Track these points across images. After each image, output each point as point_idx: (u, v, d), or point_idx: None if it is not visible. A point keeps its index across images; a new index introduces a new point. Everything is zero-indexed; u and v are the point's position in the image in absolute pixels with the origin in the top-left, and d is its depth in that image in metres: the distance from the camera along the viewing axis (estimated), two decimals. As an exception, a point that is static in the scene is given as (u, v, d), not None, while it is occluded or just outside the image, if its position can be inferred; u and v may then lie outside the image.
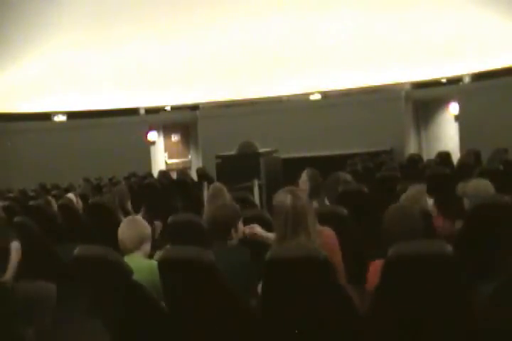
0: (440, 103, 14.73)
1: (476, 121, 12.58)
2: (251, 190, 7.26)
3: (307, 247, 2.85)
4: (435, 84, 14.56)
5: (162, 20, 14.42)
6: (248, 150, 9.25)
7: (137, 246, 3.37)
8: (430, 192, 4.63)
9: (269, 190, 7.96)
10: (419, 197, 4.15)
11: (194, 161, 17.19)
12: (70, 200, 6.86)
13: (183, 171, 13.42)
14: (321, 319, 2.77)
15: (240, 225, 3.51)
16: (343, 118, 14.17)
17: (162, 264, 3.01)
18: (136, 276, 3.05)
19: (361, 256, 3.61)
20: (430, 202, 4.44)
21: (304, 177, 4.95)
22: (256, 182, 7.50)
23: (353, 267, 3.23)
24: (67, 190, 9.76)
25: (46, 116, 15.99)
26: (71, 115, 16.19)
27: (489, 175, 4.78)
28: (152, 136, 16.60)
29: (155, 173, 13.40)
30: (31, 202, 6.93)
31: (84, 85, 15.32)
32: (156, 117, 16.97)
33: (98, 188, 10.23)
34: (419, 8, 13.24)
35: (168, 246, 3.64)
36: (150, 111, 16.99)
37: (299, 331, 2.81)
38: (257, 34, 14.47)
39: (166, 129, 17.19)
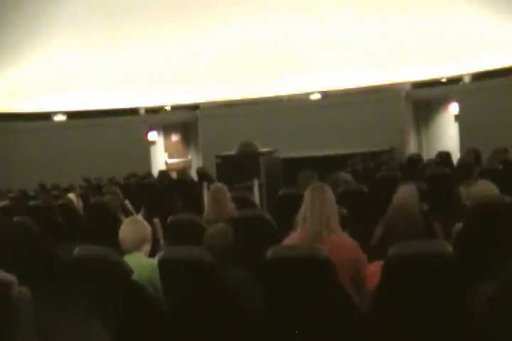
0: (440, 103, 14.74)
1: (476, 121, 12.58)
2: (251, 189, 7.26)
3: (307, 247, 2.86)
4: (435, 84, 14.56)
5: (162, 21, 14.41)
6: (248, 150, 9.25)
7: (138, 246, 3.38)
8: (430, 192, 4.64)
9: (269, 189, 7.96)
10: (409, 198, 4.09)
11: (194, 161, 17.19)
12: (70, 200, 6.86)
13: (183, 171, 13.42)
14: (321, 319, 2.78)
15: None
16: (343, 118, 14.17)
17: (162, 264, 3.01)
18: (136, 275, 3.06)
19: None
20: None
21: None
22: (256, 182, 7.49)
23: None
24: (67, 190, 9.76)
25: (46, 116, 15.99)
26: (71, 115, 16.19)
27: (489, 175, 4.79)
28: (152, 135, 16.60)
29: (155, 173, 13.40)
30: (31, 202, 6.93)
31: (84, 85, 15.31)
32: (156, 117, 16.97)
33: (98, 188, 10.23)
34: (419, 8, 13.23)
35: (168, 246, 3.65)
36: (150, 111, 17.00)
37: (300, 331, 2.81)
38: (257, 34, 14.46)
39: (166, 129, 17.20)
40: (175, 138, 17.42)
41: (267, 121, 14.62)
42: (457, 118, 14.08)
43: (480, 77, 13.38)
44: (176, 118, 17.22)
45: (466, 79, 13.95)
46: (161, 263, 3.01)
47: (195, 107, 16.82)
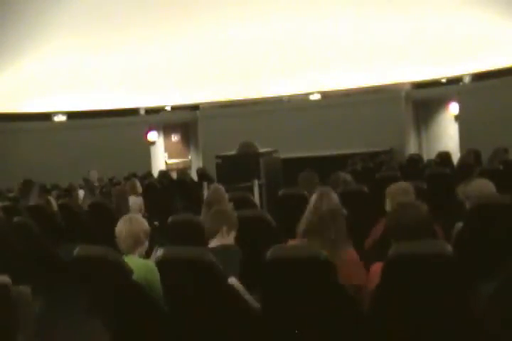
0: (440, 103, 14.73)
1: (476, 121, 12.58)
2: (251, 190, 7.26)
3: (307, 247, 2.86)
4: (435, 84, 14.56)
5: (162, 21, 14.41)
6: (248, 150, 9.24)
7: (133, 245, 3.33)
8: (430, 192, 4.63)
9: (269, 190, 7.96)
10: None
11: (194, 161, 17.19)
12: (49, 202, 6.82)
13: (183, 171, 13.42)
14: (321, 319, 2.78)
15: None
16: (343, 119, 14.17)
17: (162, 264, 3.00)
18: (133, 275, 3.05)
19: (361, 256, 3.60)
20: None
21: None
22: (256, 182, 7.49)
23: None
24: (68, 190, 9.75)
25: (46, 116, 15.98)
26: (71, 115, 16.17)
27: (489, 175, 4.78)
28: (152, 136, 16.60)
29: (155, 173, 13.40)
30: (31, 202, 6.93)
31: (84, 85, 15.31)
32: (156, 117, 16.96)
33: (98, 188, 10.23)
34: (419, 8, 13.24)
35: (168, 246, 3.64)
36: (150, 111, 16.98)
37: (300, 331, 2.81)
38: (258, 34, 14.47)
39: (166, 129, 17.19)
40: (175, 138, 17.41)
41: (267, 121, 14.62)
42: (457, 118, 14.08)
43: (480, 77, 13.38)
44: (176, 119, 17.21)
45: (466, 79, 13.94)
46: (161, 263, 3.00)
47: (195, 107, 16.82)
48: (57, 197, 7.73)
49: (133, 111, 16.67)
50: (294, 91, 15.41)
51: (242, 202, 4.92)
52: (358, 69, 14.31)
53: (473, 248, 3.45)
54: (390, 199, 3.95)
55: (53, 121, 16.11)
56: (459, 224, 3.78)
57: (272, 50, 14.60)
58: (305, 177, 5.33)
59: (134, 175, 12.14)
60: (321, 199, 3.11)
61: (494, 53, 12.93)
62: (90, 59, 15.02)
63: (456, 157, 9.83)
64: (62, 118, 16.21)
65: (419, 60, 13.74)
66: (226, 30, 14.60)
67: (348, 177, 5.94)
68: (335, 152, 13.05)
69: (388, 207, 3.96)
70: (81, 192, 7.18)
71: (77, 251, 3.20)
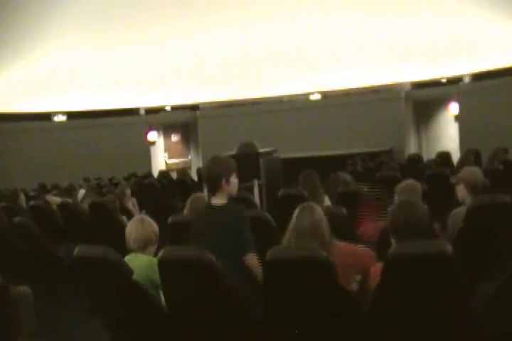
0: (440, 103, 14.74)
1: (476, 121, 12.58)
2: (251, 190, 7.25)
3: (308, 247, 2.85)
4: (435, 84, 14.57)
5: (162, 21, 14.42)
6: (248, 150, 9.22)
7: (143, 246, 3.37)
8: (430, 192, 4.63)
9: (269, 190, 7.95)
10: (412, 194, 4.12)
11: (194, 161, 17.19)
12: (48, 202, 6.82)
13: (183, 171, 13.42)
14: (322, 319, 2.78)
15: (234, 179, 3.45)
16: (343, 118, 14.17)
17: (162, 264, 3.00)
18: (136, 274, 3.05)
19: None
20: None
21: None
22: (256, 182, 7.48)
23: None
24: (68, 190, 9.75)
25: (46, 116, 15.99)
26: (71, 115, 16.19)
27: (489, 175, 4.78)
28: (152, 136, 16.60)
29: (155, 173, 13.40)
30: (31, 202, 6.93)
31: (84, 85, 15.31)
32: (156, 117, 16.97)
33: (98, 188, 10.22)
34: (419, 8, 13.24)
35: (168, 246, 3.64)
36: (150, 111, 17.00)
37: (300, 331, 2.81)
38: (257, 34, 14.47)
39: (166, 129, 17.19)
40: (175, 138, 17.42)
41: (267, 121, 14.62)
42: (457, 118, 14.09)
43: (480, 77, 13.38)
44: (176, 119, 17.22)
45: (466, 79, 13.95)
46: (161, 263, 3.01)
47: (195, 107, 16.82)
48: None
49: (133, 111, 16.68)
50: (294, 91, 15.41)
51: (242, 202, 4.91)
52: (358, 69, 14.31)
53: (473, 248, 3.44)
54: (398, 196, 4.08)
55: (53, 121, 16.12)
56: (457, 210, 3.82)
57: (272, 50, 14.59)
58: (305, 177, 5.32)
59: (134, 175, 12.15)
60: (302, 213, 3.05)
61: (494, 53, 12.94)
62: (90, 59, 15.02)
63: (456, 157, 9.83)
64: (62, 118, 16.22)
65: (419, 60, 13.74)
66: (226, 30, 14.60)
67: (348, 177, 5.95)
68: (335, 152, 13.06)
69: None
70: (81, 192, 7.16)
71: (77, 251, 3.20)
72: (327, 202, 5.14)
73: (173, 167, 16.42)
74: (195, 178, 10.98)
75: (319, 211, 3.06)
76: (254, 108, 15.78)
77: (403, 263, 2.56)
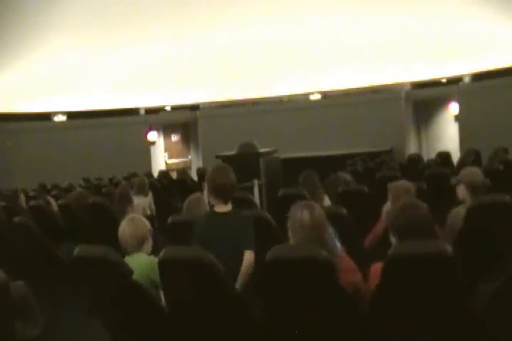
0: (440, 103, 14.74)
1: (476, 121, 12.58)
2: (251, 190, 7.25)
3: (308, 247, 2.85)
4: (435, 84, 14.56)
5: (162, 21, 14.42)
6: (248, 150, 9.23)
7: (138, 245, 3.36)
8: (430, 192, 4.63)
9: (269, 190, 7.95)
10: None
11: (194, 161, 17.19)
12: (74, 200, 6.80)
13: (183, 171, 13.42)
14: (322, 319, 2.78)
15: None
16: (343, 119, 14.17)
17: (162, 264, 3.00)
18: (136, 274, 3.05)
19: (361, 255, 3.61)
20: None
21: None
22: (256, 182, 7.48)
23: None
24: (68, 190, 9.76)
25: (46, 116, 15.99)
26: (71, 115, 16.19)
27: (489, 175, 4.78)
28: (152, 136, 16.60)
29: (155, 173, 13.40)
30: (31, 202, 6.92)
31: (84, 85, 15.31)
32: (156, 117, 16.96)
33: (98, 188, 10.22)
34: (419, 8, 13.24)
35: (168, 246, 3.64)
36: (150, 111, 16.99)
37: (300, 331, 2.81)
38: (257, 34, 14.47)
39: (166, 129, 17.19)
40: (175, 138, 17.41)
41: (267, 121, 14.62)
42: (457, 118, 14.08)
43: (480, 77, 13.38)
44: (176, 119, 17.22)
45: (466, 79, 13.95)
46: (161, 263, 3.00)
47: (195, 107, 16.82)
48: (58, 197, 7.72)
49: (133, 111, 16.68)
50: (294, 91, 15.41)
51: (242, 202, 4.91)
52: (358, 69, 14.31)
53: (473, 248, 3.44)
54: (391, 196, 4.09)
55: (53, 121, 16.12)
56: (456, 208, 3.82)
57: (272, 50, 14.60)
58: (305, 177, 5.33)
59: (134, 175, 12.14)
60: (302, 212, 3.02)
61: (494, 53, 12.93)
62: (90, 59, 15.03)
63: (456, 157, 9.84)
64: (62, 118, 16.22)
65: (419, 60, 13.74)
66: (226, 30, 14.60)
67: (348, 177, 5.94)
68: (335, 152, 13.06)
69: (389, 202, 4.08)
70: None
71: (77, 251, 3.20)
72: (327, 202, 5.15)
73: (173, 167, 16.42)
74: (195, 178, 10.97)
75: (319, 210, 3.06)
76: (254, 108, 15.78)
77: (403, 263, 2.56)
